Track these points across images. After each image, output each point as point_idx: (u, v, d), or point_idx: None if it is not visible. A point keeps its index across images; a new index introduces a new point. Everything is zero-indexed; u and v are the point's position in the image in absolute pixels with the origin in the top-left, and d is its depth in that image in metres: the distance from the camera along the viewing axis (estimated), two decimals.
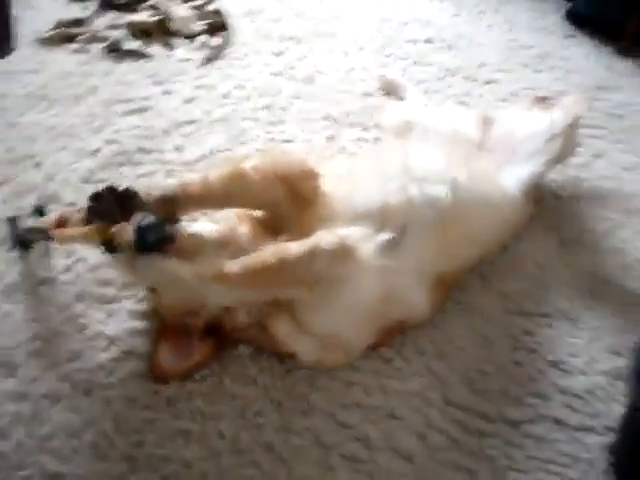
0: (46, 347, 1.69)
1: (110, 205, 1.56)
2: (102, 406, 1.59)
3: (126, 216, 1.55)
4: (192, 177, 1.71)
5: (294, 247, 1.54)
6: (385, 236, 1.65)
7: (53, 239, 1.69)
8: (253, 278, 1.54)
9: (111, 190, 1.57)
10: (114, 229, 1.55)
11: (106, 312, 1.79)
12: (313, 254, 1.53)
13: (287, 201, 1.71)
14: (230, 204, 1.74)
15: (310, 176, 1.73)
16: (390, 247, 1.66)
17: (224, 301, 1.60)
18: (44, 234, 1.70)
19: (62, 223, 1.67)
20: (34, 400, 1.58)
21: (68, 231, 1.65)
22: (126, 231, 1.53)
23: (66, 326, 1.73)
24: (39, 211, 1.82)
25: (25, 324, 1.73)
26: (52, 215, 1.75)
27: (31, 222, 1.76)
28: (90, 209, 1.58)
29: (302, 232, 1.62)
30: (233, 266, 1.54)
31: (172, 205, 1.63)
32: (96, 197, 1.58)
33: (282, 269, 1.53)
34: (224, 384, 1.66)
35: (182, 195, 1.63)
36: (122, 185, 1.60)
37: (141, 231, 1.52)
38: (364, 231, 1.62)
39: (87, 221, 1.61)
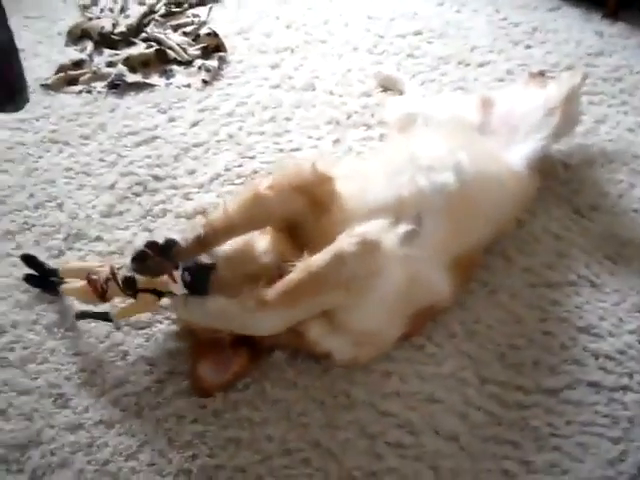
0: (93, 377, 1.76)
1: (156, 260, 1.62)
2: (154, 426, 1.66)
3: (169, 265, 1.65)
4: (215, 213, 1.76)
5: (319, 258, 1.61)
6: (405, 227, 1.70)
7: (112, 321, 1.79)
8: (291, 297, 1.60)
9: (152, 245, 1.63)
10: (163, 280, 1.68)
11: (144, 337, 1.86)
12: (339, 258, 1.58)
13: (307, 209, 1.76)
14: (255, 227, 1.79)
15: (324, 180, 1.79)
16: (411, 237, 1.71)
17: (272, 327, 1.65)
18: (104, 316, 1.79)
19: (101, 293, 1.76)
20: (89, 428, 1.65)
21: (127, 310, 1.77)
22: (176, 282, 1.66)
23: (109, 355, 1.81)
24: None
25: (70, 358, 1.81)
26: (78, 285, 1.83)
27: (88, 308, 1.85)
28: (137, 268, 1.65)
29: (324, 236, 1.68)
30: (270, 292, 1.61)
31: (205, 244, 1.68)
32: (139, 256, 1.63)
33: (315, 281, 1.60)
34: (266, 390, 1.72)
35: (211, 232, 1.68)
36: (160, 237, 1.65)
37: (191, 277, 1.65)
38: (382, 222, 1.66)
39: (126, 284, 1.71)
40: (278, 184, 1.76)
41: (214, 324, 1.68)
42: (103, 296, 1.76)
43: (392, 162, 1.90)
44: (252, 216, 1.75)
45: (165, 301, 1.83)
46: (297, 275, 1.61)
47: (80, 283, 1.82)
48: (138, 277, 1.70)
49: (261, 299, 1.61)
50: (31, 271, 1.94)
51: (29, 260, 1.94)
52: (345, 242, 1.60)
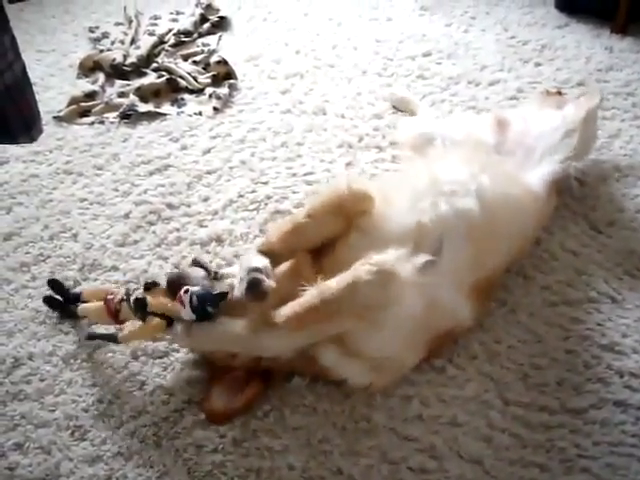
0: (111, 408, 1.74)
1: (266, 282, 1.63)
2: (173, 456, 1.63)
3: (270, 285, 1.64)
4: (262, 241, 1.80)
5: (334, 284, 1.59)
6: (423, 258, 1.67)
7: (119, 342, 1.79)
8: (302, 321, 1.59)
9: (257, 270, 1.63)
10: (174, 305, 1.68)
11: (161, 366, 1.84)
12: (355, 286, 1.57)
13: (346, 229, 1.78)
14: (297, 252, 1.79)
15: (361, 199, 1.80)
16: (429, 267, 1.68)
17: (280, 349, 1.64)
18: (112, 338, 1.79)
19: (114, 314, 1.77)
20: (108, 460, 1.63)
21: (134, 332, 1.75)
22: (184, 307, 1.65)
23: (126, 385, 1.79)
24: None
25: (87, 389, 1.79)
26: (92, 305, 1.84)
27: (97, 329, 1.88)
28: (255, 296, 1.61)
29: (342, 260, 1.68)
30: (281, 314, 1.60)
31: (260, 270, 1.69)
32: (255, 283, 1.62)
33: (327, 307, 1.58)
34: (286, 417, 1.69)
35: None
36: (252, 261, 1.67)
37: (199, 301, 1.64)
38: (400, 252, 1.64)
39: (137, 305, 1.71)
40: (316, 211, 1.79)
41: (218, 347, 1.67)
42: (116, 317, 1.77)
43: (413, 186, 1.88)
44: (292, 245, 1.77)
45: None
46: (309, 299, 1.59)
47: (96, 303, 1.83)
48: (149, 300, 1.70)
49: (269, 320, 1.60)
50: (52, 294, 1.97)
51: (55, 285, 1.96)
52: (361, 270, 1.58)
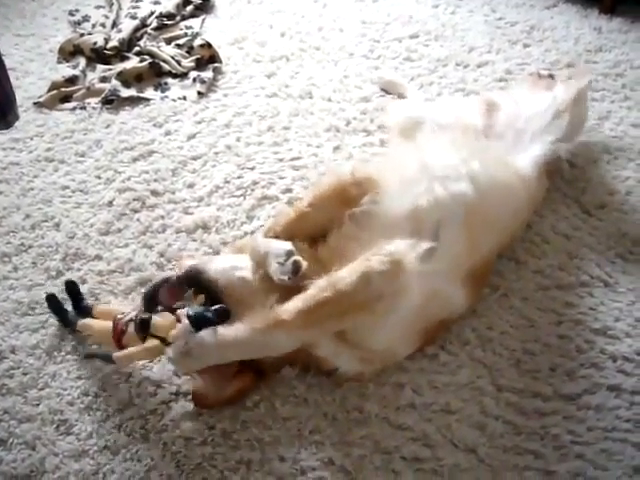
0: (96, 401, 1.71)
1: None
2: (161, 450, 1.60)
3: None
4: (265, 231, 1.83)
5: (345, 275, 1.55)
6: (425, 245, 1.65)
7: (115, 363, 1.70)
8: (313, 316, 1.54)
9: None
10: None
11: None
12: (367, 278, 1.53)
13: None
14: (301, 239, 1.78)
15: (365, 185, 1.78)
16: (430, 254, 1.66)
17: (289, 347, 1.58)
18: (107, 358, 1.71)
19: (119, 335, 1.68)
20: (94, 455, 1.60)
21: (129, 354, 1.66)
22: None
23: (112, 377, 1.75)
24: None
25: (72, 382, 1.75)
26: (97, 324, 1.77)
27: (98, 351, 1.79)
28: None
29: (339, 247, 1.70)
30: (288, 310, 1.54)
31: None
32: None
33: (339, 300, 1.54)
34: (276, 408, 1.67)
35: None
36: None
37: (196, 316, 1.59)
38: (408, 241, 1.62)
39: (140, 325, 1.65)
40: (318, 200, 1.80)
41: (223, 359, 1.58)
42: (120, 339, 1.68)
43: (403, 171, 1.84)
44: (296, 233, 1.77)
45: None
46: (319, 293, 1.54)
47: (102, 322, 1.76)
48: (154, 322, 1.64)
49: (278, 318, 1.54)
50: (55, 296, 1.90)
51: (71, 287, 1.88)
52: (373, 261, 1.55)
